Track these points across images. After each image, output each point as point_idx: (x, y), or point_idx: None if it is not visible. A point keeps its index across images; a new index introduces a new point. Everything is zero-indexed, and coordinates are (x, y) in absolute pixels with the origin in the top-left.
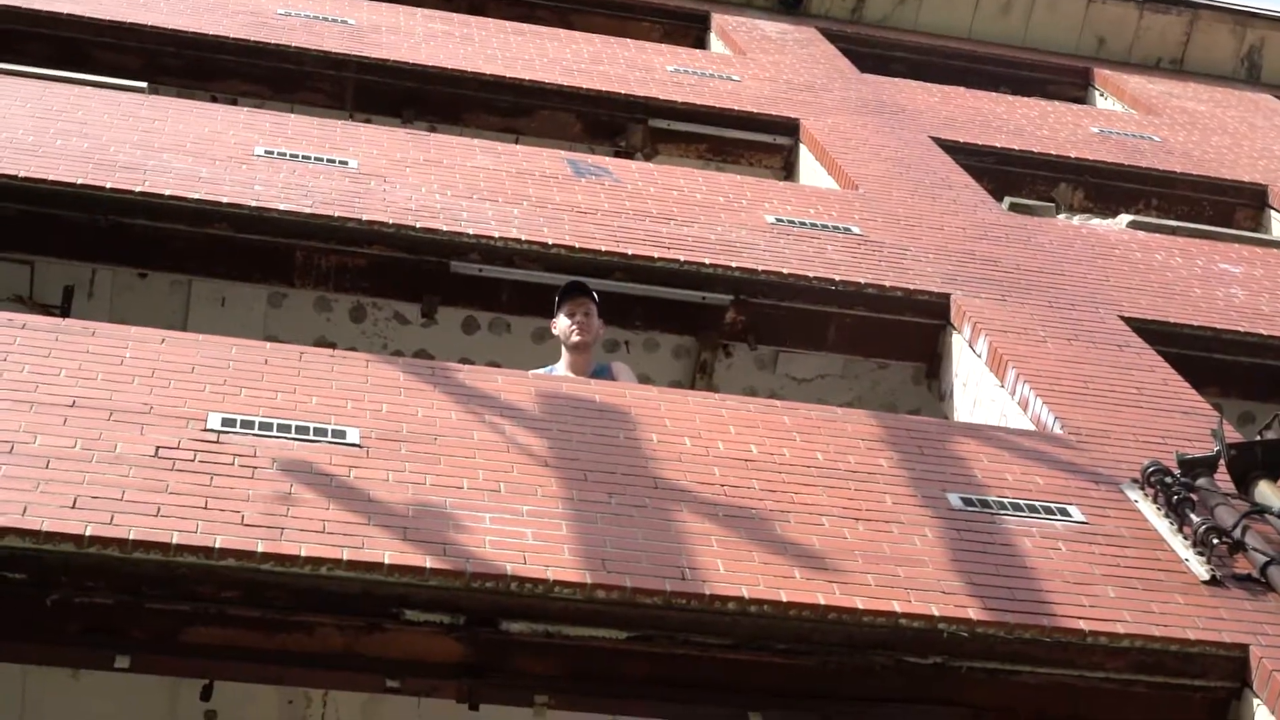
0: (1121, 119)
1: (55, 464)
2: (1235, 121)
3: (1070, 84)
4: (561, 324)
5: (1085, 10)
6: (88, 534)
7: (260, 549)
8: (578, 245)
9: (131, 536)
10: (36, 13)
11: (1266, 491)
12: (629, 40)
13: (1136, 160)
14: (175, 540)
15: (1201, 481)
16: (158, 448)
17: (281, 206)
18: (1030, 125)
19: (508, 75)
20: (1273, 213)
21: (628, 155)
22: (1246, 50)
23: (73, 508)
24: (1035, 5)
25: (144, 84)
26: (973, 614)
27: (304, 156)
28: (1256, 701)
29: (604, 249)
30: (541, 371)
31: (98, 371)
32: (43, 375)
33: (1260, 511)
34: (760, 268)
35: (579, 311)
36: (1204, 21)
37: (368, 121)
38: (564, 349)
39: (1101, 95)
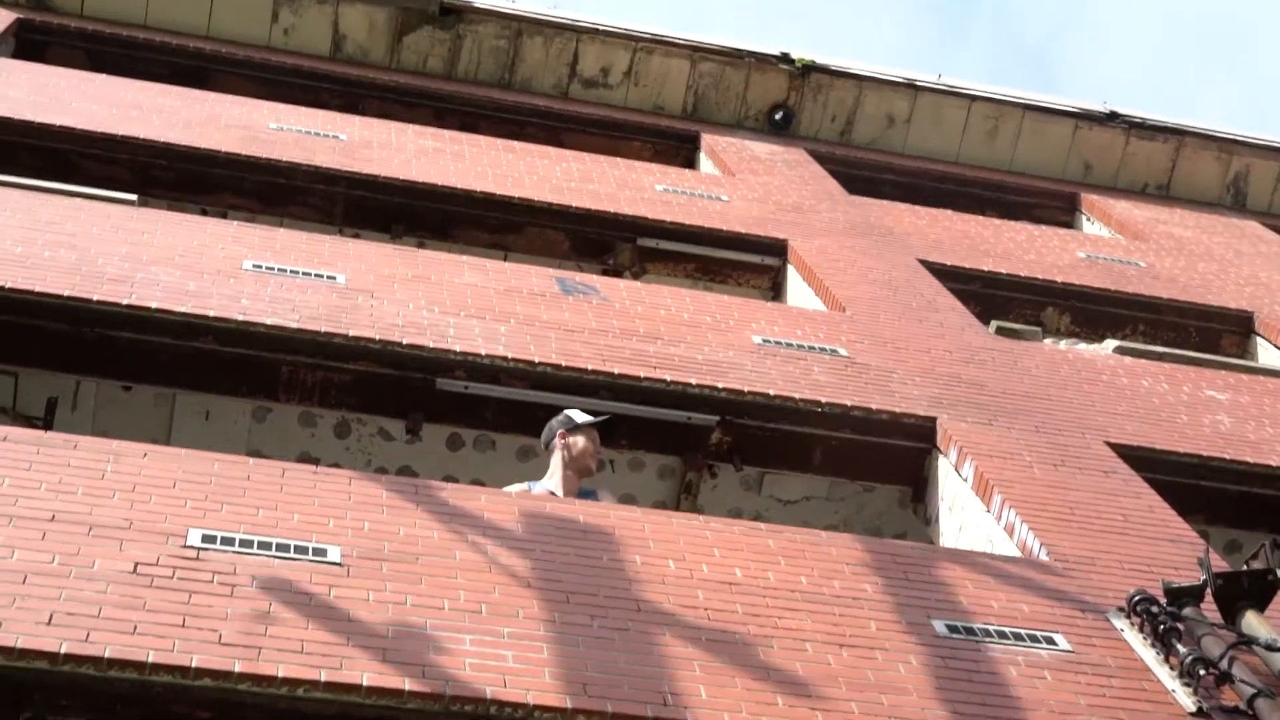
0: (1108, 244)
1: (32, 579)
2: (1221, 248)
3: (1057, 208)
4: (582, 445)
5: (1072, 136)
6: (63, 651)
7: (237, 669)
8: (564, 364)
9: (107, 654)
10: (28, 124)
11: (1253, 622)
12: (619, 159)
13: (1123, 285)
14: (151, 659)
15: (1188, 611)
16: (136, 564)
17: (268, 321)
18: (1017, 249)
19: (498, 192)
20: (1259, 339)
21: (616, 274)
22: (1232, 177)
23: (48, 624)
24: (1022, 130)
25: (133, 196)
26: None
27: (292, 271)
28: None
29: (590, 368)
30: (522, 487)
31: (78, 486)
32: (23, 489)
33: (1247, 642)
34: (746, 389)
35: (597, 442)
36: (1189, 148)
37: (357, 236)
38: (563, 466)
39: (1088, 220)
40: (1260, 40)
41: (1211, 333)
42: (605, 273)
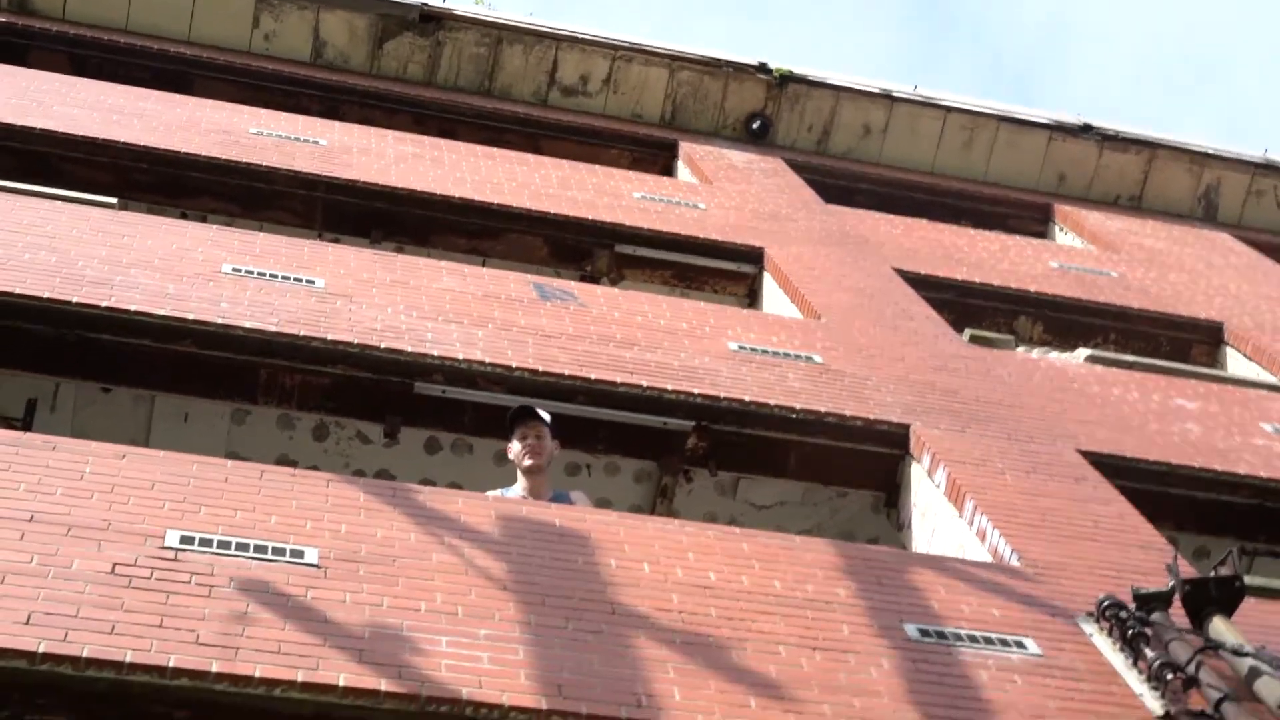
0: (1081, 254)
1: (11, 580)
2: (1192, 259)
3: (1031, 219)
4: (514, 448)
5: (1046, 147)
6: (40, 650)
7: (214, 669)
8: (541, 368)
9: (85, 654)
10: (9, 127)
11: (1220, 627)
12: (597, 166)
13: (1095, 295)
14: (128, 659)
15: (1156, 616)
16: (114, 564)
17: (247, 324)
18: (991, 259)
19: (476, 198)
20: (1228, 349)
21: (593, 280)
22: (1204, 189)
23: (26, 624)
24: (997, 141)
25: (114, 199)
26: None
27: (271, 275)
28: None
29: (567, 373)
30: (497, 493)
31: (57, 486)
32: (2, 489)
33: (1214, 647)
34: (722, 395)
35: (530, 435)
36: (1161, 160)
37: (336, 241)
38: (519, 472)
39: (1061, 230)
40: (1236, 67)
41: (1182, 342)
42: (583, 279)
